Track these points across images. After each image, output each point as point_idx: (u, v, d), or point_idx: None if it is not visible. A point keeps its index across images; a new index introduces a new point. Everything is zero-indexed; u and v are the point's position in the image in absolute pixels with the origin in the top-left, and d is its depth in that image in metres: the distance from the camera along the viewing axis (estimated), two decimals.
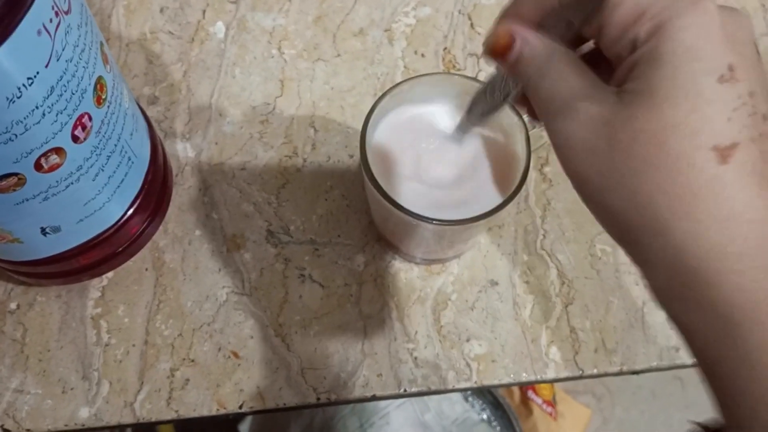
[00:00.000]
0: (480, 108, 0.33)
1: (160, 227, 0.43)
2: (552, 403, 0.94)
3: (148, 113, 0.46)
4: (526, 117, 0.36)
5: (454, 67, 0.49)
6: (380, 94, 0.37)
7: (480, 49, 0.50)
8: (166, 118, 0.46)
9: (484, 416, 0.83)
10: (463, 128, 0.36)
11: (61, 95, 0.28)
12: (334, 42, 0.50)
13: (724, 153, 0.19)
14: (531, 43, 0.24)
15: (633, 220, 0.21)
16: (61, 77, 0.28)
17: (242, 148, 0.46)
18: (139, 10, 0.50)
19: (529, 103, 0.29)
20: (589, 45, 0.25)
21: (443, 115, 0.38)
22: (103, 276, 0.42)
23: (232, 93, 0.47)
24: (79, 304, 0.41)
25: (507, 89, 0.29)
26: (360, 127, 0.36)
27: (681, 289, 0.20)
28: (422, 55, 0.49)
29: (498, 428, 0.84)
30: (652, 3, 0.21)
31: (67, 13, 0.27)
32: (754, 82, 0.20)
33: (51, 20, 0.26)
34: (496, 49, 0.25)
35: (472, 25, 0.51)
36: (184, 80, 0.48)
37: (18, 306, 0.41)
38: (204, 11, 0.50)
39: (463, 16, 0.51)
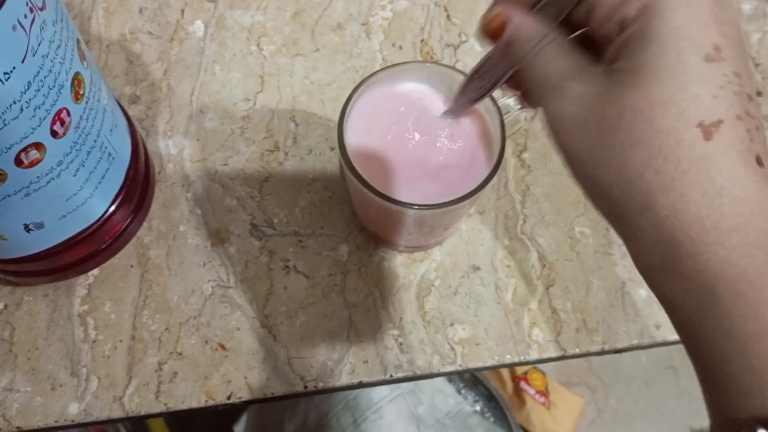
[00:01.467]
0: (471, 91, 0.34)
1: (144, 223, 0.43)
2: (545, 393, 0.95)
3: (130, 112, 0.47)
4: (516, 100, 0.37)
5: (431, 58, 0.50)
6: (372, 73, 0.37)
7: (457, 40, 0.51)
8: (148, 117, 0.47)
9: (477, 408, 0.84)
10: (453, 111, 0.37)
11: (38, 90, 0.28)
12: (312, 37, 0.50)
13: (709, 129, 0.20)
14: (523, 25, 0.25)
15: (620, 195, 0.21)
16: (38, 72, 0.28)
17: (224, 143, 0.46)
18: (118, 12, 0.50)
19: (520, 86, 0.30)
20: (579, 31, 0.26)
21: (421, 98, 0.39)
22: (89, 273, 0.42)
23: (212, 90, 0.48)
24: (66, 302, 0.41)
25: (498, 73, 0.30)
26: None
27: (666, 262, 0.21)
28: (400, 48, 0.50)
29: (491, 420, 0.84)
30: None
31: (41, 9, 0.28)
32: (740, 62, 0.21)
33: (26, 16, 0.27)
34: (489, 31, 0.26)
35: (448, 16, 0.51)
36: (165, 79, 0.48)
37: (5, 306, 0.41)
38: (183, 10, 0.51)
39: (439, 8, 0.52)
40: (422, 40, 0.50)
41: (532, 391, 0.94)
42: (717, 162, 0.20)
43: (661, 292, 0.22)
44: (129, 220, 0.41)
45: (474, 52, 0.50)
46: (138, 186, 0.41)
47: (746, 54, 0.22)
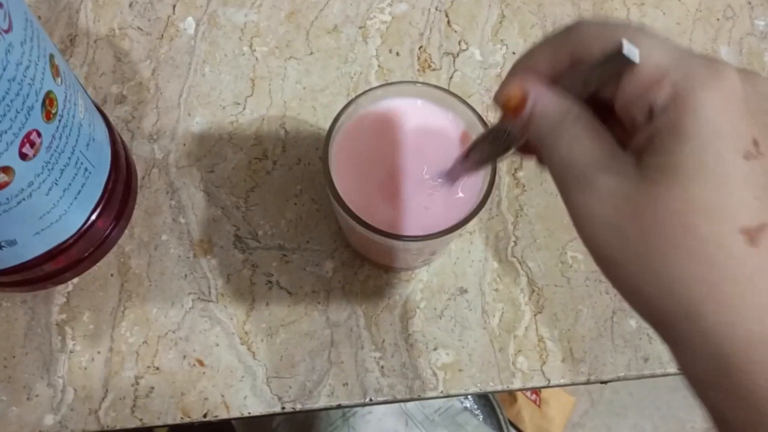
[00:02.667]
0: (478, 155, 0.31)
1: (126, 231, 0.42)
2: (536, 390, 0.95)
3: (116, 113, 0.45)
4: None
5: (429, 66, 0.48)
6: (353, 94, 0.36)
7: (456, 48, 0.49)
8: (134, 118, 0.45)
9: (467, 405, 0.84)
10: (455, 174, 0.35)
11: (4, 115, 0.27)
12: (307, 39, 0.48)
13: (753, 235, 0.18)
14: (545, 101, 0.23)
15: (662, 304, 0.20)
16: (4, 97, 0.27)
17: (211, 149, 0.45)
18: (108, 5, 0.48)
19: (534, 151, 0.27)
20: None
21: (412, 120, 0.37)
22: (69, 282, 0.41)
23: (201, 92, 0.47)
24: (44, 310, 0.41)
25: (510, 140, 0.28)
26: None
27: (716, 376, 0.19)
28: (397, 54, 0.48)
29: (481, 417, 0.84)
30: (673, 68, 0.20)
31: (7, 31, 0.26)
32: None
33: None
34: (508, 107, 0.24)
35: (449, 22, 0.49)
36: (153, 78, 0.47)
37: None
38: (174, 6, 0.49)
39: (440, 12, 0.50)
40: (420, 47, 0.48)
41: (526, 390, 0.93)
42: (761, 269, 0.18)
43: (709, 405, 0.20)
44: (109, 229, 0.40)
45: (474, 61, 0.48)
46: (118, 196, 0.40)
47: None
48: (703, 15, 0.53)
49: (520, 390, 0.42)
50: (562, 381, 0.41)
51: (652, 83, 0.20)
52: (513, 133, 0.26)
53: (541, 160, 0.28)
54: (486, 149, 0.30)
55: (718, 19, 0.53)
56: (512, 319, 0.42)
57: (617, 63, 0.20)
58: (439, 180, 0.36)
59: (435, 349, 0.41)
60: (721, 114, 0.19)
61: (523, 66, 0.24)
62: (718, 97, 0.19)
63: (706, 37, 0.52)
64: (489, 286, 0.43)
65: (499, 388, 0.41)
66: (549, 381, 0.41)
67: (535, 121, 0.23)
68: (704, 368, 0.20)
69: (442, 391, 0.41)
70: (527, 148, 0.28)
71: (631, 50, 0.20)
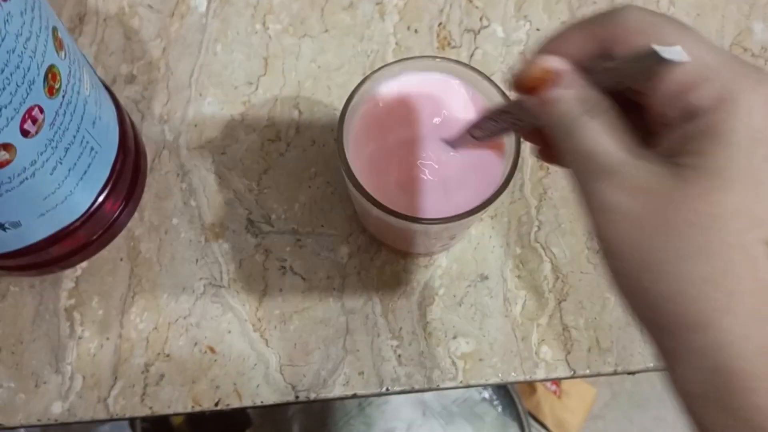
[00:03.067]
0: (484, 129, 0.31)
1: (136, 214, 0.41)
2: (556, 381, 0.93)
3: (125, 93, 0.44)
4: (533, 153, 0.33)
5: (449, 44, 0.46)
6: (369, 73, 0.34)
7: (477, 25, 0.47)
8: (144, 98, 0.44)
9: (486, 395, 0.82)
10: (460, 142, 0.34)
11: (3, 89, 0.26)
12: (322, 16, 0.47)
13: None
14: (573, 88, 0.22)
15: (671, 308, 0.19)
16: (3, 70, 0.26)
17: (223, 131, 0.44)
18: None
19: (540, 139, 0.26)
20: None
21: (431, 98, 0.36)
22: (77, 266, 0.40)
23: (213, 71, 0.45)
24: (52, 294, 0.40)
25: (519, 124, 0.27)
26: None
27: (714, 392, 0.18)
28: (415, 31, 0.46)
29: (500, 408, 0.83)
30: (716, 71, 0.19)
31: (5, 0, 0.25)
32: None
33: None
34: (528, 81, 0.23)
35: None
36: (163, 57, 0.45)
37: None
38: None
39: None
40: (440, 24, 0.47)
41: (549, 381, 0.92)
42: None
43: (703, 423, 0.19)
44: (118, 212, 0.39)
45: (495, 38, 0.46)
46: (127, 177, 0.39)
47: None
48: None
49: (544, 380, 0.40)
50: (587, 372, 0.40)
51: (694, 83, 0.19)
52: (527, 111, 0.25)
53: (546, 148, 0.27)
54: (492, 125, 0.29)
55: None
56: (535, 307, 0.41)
57: (655, 61, 0.19)
58: (444, 143, 0.34)
59: (454, 338, 0.40)
60: (765, 120, 0.18)
61: (553, 46, 0.23)
62: (764, 104, 0.18)
63: (740, 13, 0.50)
64: (511, 272, 0.41)
65: (521, 378, 0.39)
66: (574, 371, 0.39)
67: (558, 105, 0.22)
68: (702, 382, 0.18)
69: (461, 381, 0.39)
70: (534, 138, 0.27)
71: (672, 52, 0.18)
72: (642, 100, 0.22)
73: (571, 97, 0.22)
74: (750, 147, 0.18)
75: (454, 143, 0.34)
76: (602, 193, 0.20)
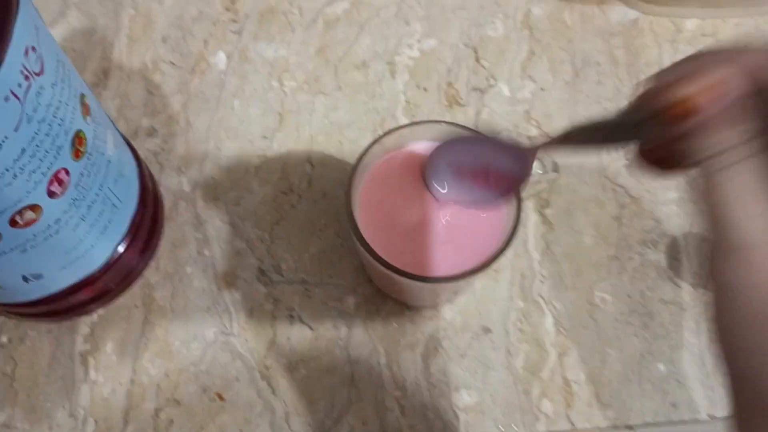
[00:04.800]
0: (583, 138, 0.26)
1: (151, 263, 0.43)
2: None
3: (146, 145, 0.46)
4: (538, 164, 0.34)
5: (456, 102, 0.48)
6: (380, 129, 0.36)
7: (484, 84, 0.49)
8: (164, 150, 0.46)
9: None
10: (548, 147, 0.29)
11: (33, 155, 0.28)
12: (335, 74, 0.49)
13: None
14: (723, 125, 0.19)
15: None
16: (33, 138, 0.27)
17: (238, 182, 0.45)
18: (141, 39, 0.50)
19: (653, 158, 0.23)
20: None
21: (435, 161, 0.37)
22: (94, 312, 0.42)
23: (230, 125, 0.47)
24: (68, 339, 0.41)
25: (632, 138, 0.23)
26: None
27: None
28: (425, 89, 0.48)
29: None
30: None
31: (39, 74, 0.27)
32: None
33: (20, 85, 0.26)
34: (670, 110, 0.19)
35: (477, 58, 0.49)
36: (183, 112, 0.47)
37: (9, 340, 0.41)
38: (206, 40, 0.50)
39: (468, 48, 0.50)
40: (448, 83, 0.48)
41: None
42: None
43: None
44: (135, 262, 0.41)
45: (501, 97, 0.48)
46: (145, 230, 0.40)
47: None
48: None
49: None
50: (587, 426, 0.40)
51: None
52: (647, 127, 0.21)
53: (657, 169, 0.23)
54: (596, 135, 0.25)
55: None
56: (537, 361, 0.41)
57: None
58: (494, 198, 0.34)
59: (457, 390, 0.41)
60: None
61: (712, 62, 0.19)
62: None
63: None
64: (513, 325, 0.42)
65: (522, 431, 0.40)
66: (574, 425, 0.40)
67: (701, 138, 0.19)
68: None
69: None
70: (648, 157, 0.23)
71: None
72: None
73: (716, 133, 0.19)
74: None
75: (539, 149, 0.30)
76: (727, 272, 0.18)
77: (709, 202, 0.19)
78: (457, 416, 0.40)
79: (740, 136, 0.19)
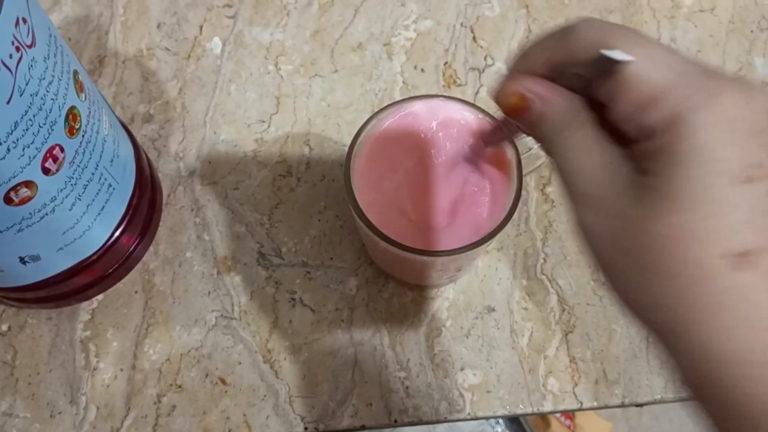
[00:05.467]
0: (498, 135, 0.32)
1: (151, 248, 0.42)
2: (570, 416, 0.92)
3: (143, 131, 0.46)
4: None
5: (454, 82, 0.47)
6: (377, 110, 0.36)
7: (482, 63, 0.48)
8: (161, 137, 0.46)
9: (499, 429, 0.82)
10: (470, 159, 0.36)
11: (27, 129, 0.27)
12: (332, 57, 0.48)
13: (739, 259, 0.18)
14: (552, 101, 0.23)
15: (656, 318, 0.20)
16: (26, 112, 0.27)
17: (236, 167, 0.45)
18: (136, 26, 0.49)
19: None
20: None
21: (436, 133, 0.37)
22: (93, 298, 0.41)
23: (227, 110, 0.47)
24: (68, 326, 0.41)
25: (515, 134, 0.30)
26: None
27: (705, 388, 0.20)
28: (422, 70, 0.48)
29: None
30: (667, 90, 0.20)
31: (30, 46, 0.27)
32: None
33: (11, 56, 0.25)
34: (511, 110, 0.24)
35: (474, 38, 0.49)
36: (180, 97, 0.47)
37: (9, 328, 0.41)
38: (201, 26, 0.49)
39: (465, 28, 0.49)
40: (446, 63, 0.48)
41: (557, 413, 0.91)
42: (747, 294, 0.18)
43: (702, 410, 0.21)
44: (134, 246, 0.40)
45: (500, 76, 0.48)
46: (143, 213, 0.40)
47: None
48: (737, 27, 0.51)
49: (551, 413, 0.40)
50: (595, 404, 0.40)
51: (646, 103, 0.20)
52: (516, 129, 0.27)
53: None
54: (505, 130, 0.31)
55: (752, 31, 0.51)
56: (542, 339, 0.41)
57: (606, 65, 0.20)
58: (461, 162, 0.36)
59: (462, 370, 0.40)
60: (717, 137, 0.19)
61: (519, 68, 0.24)
62: (716, 121, 0.19)
63: (741, 48, 0.51)
64: (517, 304, 0.42)
65: (529, 410, 0.40)
66: (581, 403, 0.40)
67: (543, 122, 0.23)
68: (696, 380, 0.20)
69: (469, 414, 0.39)
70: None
71: (615, 54, 0.20)
72: (611, 117, 0.22)
73: (551, 110, 0.23)
74: (700, 167, 0.19)
75: (469, 160, 0.35)
76: (582, 216, 0.22)
77: (557, 163, 0.23)
78: (462, 396, 0.40)
79: (567, 111, 0.23)
